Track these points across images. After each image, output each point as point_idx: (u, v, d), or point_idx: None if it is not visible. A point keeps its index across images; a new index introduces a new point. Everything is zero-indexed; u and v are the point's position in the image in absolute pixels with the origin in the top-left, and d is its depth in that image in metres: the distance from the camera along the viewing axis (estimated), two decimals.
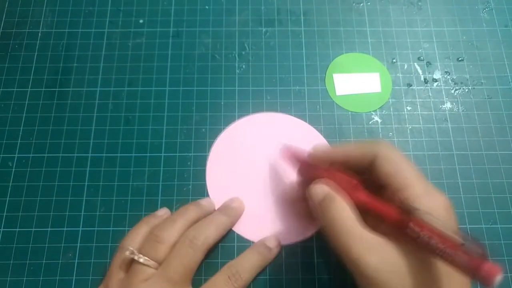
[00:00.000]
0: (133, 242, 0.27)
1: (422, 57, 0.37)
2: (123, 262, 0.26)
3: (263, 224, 0.31)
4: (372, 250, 0.21)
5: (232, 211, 0.30)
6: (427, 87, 0.36)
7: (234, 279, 0.26)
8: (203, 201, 0.31)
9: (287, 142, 0.31)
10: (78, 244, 0.30)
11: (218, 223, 0.28)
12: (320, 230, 0.30)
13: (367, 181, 0.25)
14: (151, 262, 0.25)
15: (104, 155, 0.33)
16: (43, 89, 0.35)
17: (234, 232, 0.31)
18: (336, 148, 0.27)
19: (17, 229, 0.31)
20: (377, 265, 0.21)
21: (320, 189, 0.25)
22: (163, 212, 0.30)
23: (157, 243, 0.26)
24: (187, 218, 0.28)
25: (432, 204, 0.22)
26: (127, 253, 0.26)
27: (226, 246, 0.30)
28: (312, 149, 0.27)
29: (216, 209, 0.31)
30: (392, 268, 0.21)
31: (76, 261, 0.30)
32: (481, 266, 0.18)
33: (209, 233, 0.27)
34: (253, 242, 0.30)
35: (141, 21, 0.38)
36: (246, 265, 0.27)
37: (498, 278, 0.17)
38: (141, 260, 0.25)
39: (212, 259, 0.29)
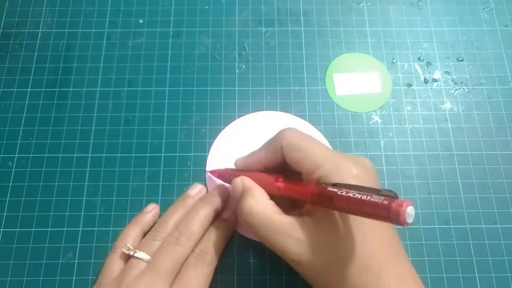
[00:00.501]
0: (125, 241, 0.28)
1: (422, 57, 0.37)
2: (116, 261, 0.27)
3: None
4: (289, 234, 0.23)
5: (214, 198, 0.30)
6: (427, 87, 0.36)
7: (201, 258, 0.26)
8: (191, 190, 0.31)
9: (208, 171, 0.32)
10: (78, 244, 0.30)
11: (201, 216, 0.28)
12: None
13: (290, 175, 0.25)
14: (146, 256, 0.26)
15: (104, 155, 0.33)
16: (43, 89, 0.35)
17: (234, 231, 0.31)
18: (251, 156, 0.28)
19: (17, 229, 0.31)
20: (296, 248, 0.23)
21: (240, 180, 0.26)
22: (151, 208, 0.31)
23: (152, 241, 0.27)
24: (178, 215, 0.29)
25: (342, 178, 0.22)
26: (124, 249, 0.27)
27: (227, 246, 0.30)
28: (235, 163, 0.29)
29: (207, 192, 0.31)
30: (312, 247, 0.22)
31: (76, 261, 0.30)
32: (391, 203, 0.18)
33: (193, 229, 0.27)
34: (252, 241, 0.30)
35: (141, 21, 0.38)
36: (208, 242, 0.28)
37: (409, 211, 0.17)
38: (135, 255, 0.26)
39: None
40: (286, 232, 0.23)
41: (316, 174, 0.23)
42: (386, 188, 0.22)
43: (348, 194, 0.20)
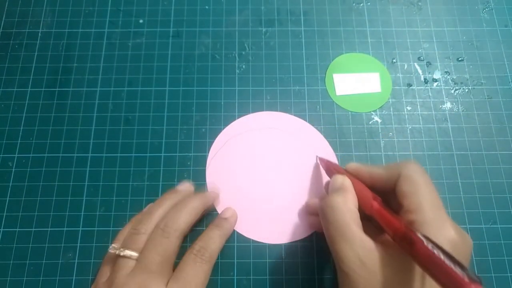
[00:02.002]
0: (120, 242, 0.27)
1: (422, 57, 0.37)
2: (110, 261, 0.27)
3: (263, 222, 0.31)
4: (355, 248, 0.22)
5: (204, 194, 0.30)
6: (427, 87, 0.36)
7: (200, 254, 0.26)
8: (180, 186, 0.31)
9: (320, 155, 0.33)
10: (78, 244, 0.30)
11: (188, 207, 0.28)
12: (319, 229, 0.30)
13: (389, 202, 0.25)
14: (132, 253, 0.26)
15: (104, 155, 0.33)
16: (43, 89, 0.35)
17: (234, 231, 0.31)
18: (366, 167, 0.27)
19: (17, 229, 0.31)
20: (355, 263, 0.22)
21: (341, 178, 0.26)
22: (147, 208, 0.30)
23: (136, 235, 0.27)
24: (163, 207, 0.28)
25: (437, 235, 0.21)
26: (110, 249, 0.26)
27: (227, 246, 0.30)
28: (347, 165, 0.28)
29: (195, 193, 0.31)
30: (368, 273, 0.22)
31: (76, 261, 0.30)
32: (471, 283, 0.17)
33: (180, 219, 0.27)
34: (253, 241, 0.30)
35: (141, 21, 0.38)
36: (207, 239, 0.28)
37: None
38: (122, 254, 0.26)
39: None
40: (355, 245, 0.22)
41: (413, 216, 0.22)
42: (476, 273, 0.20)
43: (432, 250, 0.19)
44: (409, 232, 0.21)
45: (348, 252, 0.22)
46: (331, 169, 0.29)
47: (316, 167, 0.33)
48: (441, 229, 0.22)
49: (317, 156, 0.33)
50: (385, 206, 0.24)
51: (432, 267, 0.19)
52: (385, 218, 0.23)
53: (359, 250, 0.22)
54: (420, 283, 0.21)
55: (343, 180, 0.26)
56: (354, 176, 0.27)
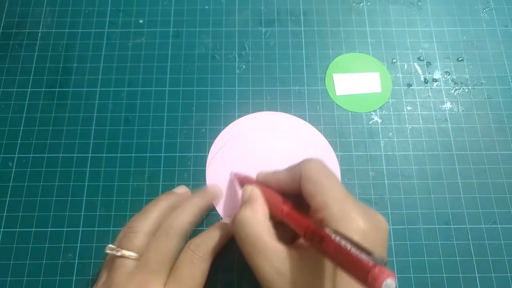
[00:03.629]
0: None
1: (422, 57, 0.37)
2: (109, 262, 0.27)
3: None
4: (269, 259, 0.22)
5: (205, 193, 0.30)
6: (427, 87, 0.36)
7: (197, 251, 0.26)
8: (177, 189, 0.31)
9: (235, 171, 0.32)
10: (78, 244, 0.30)
11: (191, 207, 0.28)
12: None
13: (302, 205, 0.24)
14: (130, 253, 0.26)
15: (104, 155, 0.33)
16: (43, 89, 0.35)
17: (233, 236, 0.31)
18: (272, 173, 0.28)
19: (17, 229, 0.31)
20: (272, 275, 0.22)
21: (249, 188, 0.26)
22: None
23: (131, 234, 0.26)
24: (159, 207, 0.28)
25: (346, 228, 0.21)
26: (106, 250, 0.26)
27: (227, 245, 0.30)
28: (257, 174, 0.29)
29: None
30: (287, 283, 0.21)
31: (76, 261, 0.30)
32: (374, 267, 0.17)
33: (183, 219, 0.27)
34: None
35: (141, 21, 0.38)
36: (204, 237, 0.27)
37: (388, 282, 0.16)
38: (118, 254, 0.26)
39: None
40: (269, 257, 0.22)
41: (320, 214, 0.22)
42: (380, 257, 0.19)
43: (339, 243, 0.19)
44: (316, 229, 0.21)
45: (264, 265, 0.22)
46: (243, 181, 0.29)
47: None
48: (348, 222, 0.21)
49: (231, 172, 0.32)
50: (295, 209, 0.24)
51: (340, 258, 0.19)
52: (294, 220, 0.23)
53: (273, 260, 0.22)
54: (332, 281, 0.21)
55: (252, 190, 0.26)
56: (264, 185, 0.27)
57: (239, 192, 0.31)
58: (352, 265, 0.18)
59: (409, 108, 0.35)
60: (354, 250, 0.18)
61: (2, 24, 0.38)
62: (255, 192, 0.26)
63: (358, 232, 0.21)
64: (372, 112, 0.35)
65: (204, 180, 0.32)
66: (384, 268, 0.17)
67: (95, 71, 0.36)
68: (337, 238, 0.19)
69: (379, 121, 0.35)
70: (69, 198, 0.32)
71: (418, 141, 0.34)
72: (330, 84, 0.36)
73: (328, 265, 0.21)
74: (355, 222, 0.22)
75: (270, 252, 0.22)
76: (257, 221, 0.24)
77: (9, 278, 0.30)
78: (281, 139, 0.34)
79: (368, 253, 0.18)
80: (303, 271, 0.22)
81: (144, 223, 0.27)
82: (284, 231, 0.24)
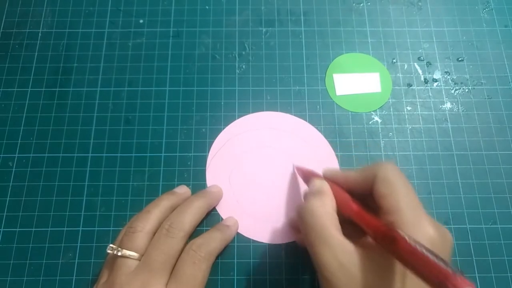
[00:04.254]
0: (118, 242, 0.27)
1: (422, 57, 0.37)
2: (110, 261, 0.27)
3: (263, 222, 0.31)
4: (334, 251, 0.22)
5: (207, 193, 0.30)
6: (427, 87, 0.36)
7: (199, 251, 0.26)
8: (178, 189, 0.31)
9: (297, 163, 0.32)
10: (78, 244, 0.30)
11: (192, 207, 0.28)
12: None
13: (367, 206, 0.24)
14: (131, 253, 0.26)
15: (104, 155, 0.33)
16: (43, 89, 0.35)
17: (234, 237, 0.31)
18: (342, 172, 0.27)
19: (17, 229, 0.31)
20: (335, 267, 0.21)
21: (319, 182, 0.26)
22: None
23: (132, 234, 0.26)
24: (160, 207, 0.28)
25: (416, 234, 0.21)
26: (108, 250, 0.26)
27: (227, 245, 0.30)
28: (323, 170, 0.28)
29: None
30: (349, 278, 0.21)
31: (76, 261, 0.30)
32: (456, 274, 0.17)
33: (185, 220, 0.27)
34: (253, 241, 0.30)
35: (141, 21, 0.38)
36: (206, 238, 0.28)
37: None
38: (119, 254, 0.26)
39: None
40: (334, 248, 0.22)
41: (392, 217, 0.22)
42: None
43: (415, 246, 0.19)
44: (390, 230, 0.20)
45: (328, 256, 0.22)
46: (308, 176, 0.29)
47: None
48: (419, 228, 0.21)
49: (293, 165, 0.32)
50: (364, 208, 0.24)
51: (416, 263, 0.19)
52: (365, 219, 0.23)
53: (338, 253, 0.22)
54: (401, 283, 0.21)
55: (321, 184, 0.26)
56: (331, 181, 0.27)
57: (300, 185, 0.32)
58: (429, 271, 0.18)
59: (409, 108, 0.35)
60: (431, 256, 0.18)
61: (2, 24, 0.38)
62: (325, 186, 0.26)
63: (428, 240, 0.21)
64: (372, 112, 0.35)
65: (204, 180, 0.32)
66: (466, 279, 0.17)
67: (95, 71, 0.36)
68: (412, 242, 0.19)
69: (379, 121, 0.35)
70: (69, 198, 0.32)
71: (418, 141, 0.34)
72: (330, 84, 0.36)
73: (397, 267, 0.21)
74: (426, 229, 0.21)
75: (335, 244, 0.22)
76: (326, 212, 0.24)
77: (9, 278, 0.30)
78: (281, 139, 0.34)
79: (444, 261, 0.18)
80: (367, 269, 0.21)
81: (145, 223, 0.27)
82: (348, 229, 0.24)
